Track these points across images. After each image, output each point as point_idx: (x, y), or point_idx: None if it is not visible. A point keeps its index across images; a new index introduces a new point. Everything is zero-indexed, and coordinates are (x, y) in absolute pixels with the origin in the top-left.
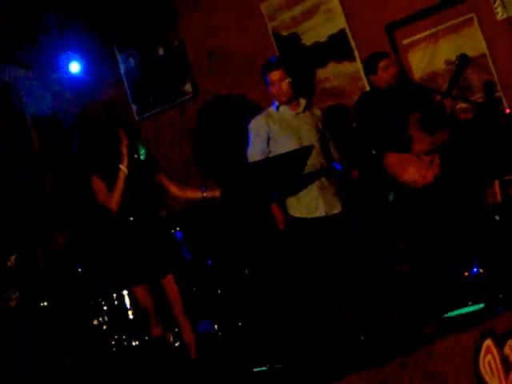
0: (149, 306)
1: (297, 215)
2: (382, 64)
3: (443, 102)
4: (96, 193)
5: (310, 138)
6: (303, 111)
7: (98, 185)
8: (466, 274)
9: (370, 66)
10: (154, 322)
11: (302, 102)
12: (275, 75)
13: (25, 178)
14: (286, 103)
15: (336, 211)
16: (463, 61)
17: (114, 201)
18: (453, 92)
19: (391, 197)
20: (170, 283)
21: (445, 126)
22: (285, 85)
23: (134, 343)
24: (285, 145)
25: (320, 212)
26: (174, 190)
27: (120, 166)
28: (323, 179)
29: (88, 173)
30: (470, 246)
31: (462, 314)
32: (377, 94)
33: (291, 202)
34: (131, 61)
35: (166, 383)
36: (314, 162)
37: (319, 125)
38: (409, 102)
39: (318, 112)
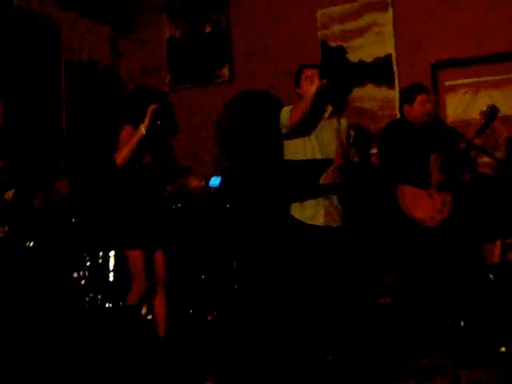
0: (137, 272)
1: (297, 217)
2: (420, 97)
3: (467, 149)
4: (121, 140)
5: (328, 144)
6: (328, 117)
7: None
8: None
9: (408, 96)
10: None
11: (329, 108)
12: (312, 71)
13: (44, 111)
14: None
15: (335, 224)
16: (493, 112)
17: (121, 155)
18: (477, 140)
19: None
20: (159, 257)
21: (464, 171)
22: (317, 80)
23: (107, 305)
24: (300, 144)
25: (319, 221)
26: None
27: (141, 125)
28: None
29: (122, 120)
30: (457, 297)
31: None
32: (405, 125)
33: (295, 204)
34: (177, 31)
35: (123, 350)
36: None
37: (341, 135)
38: (434, 140)
39: (344, 123)
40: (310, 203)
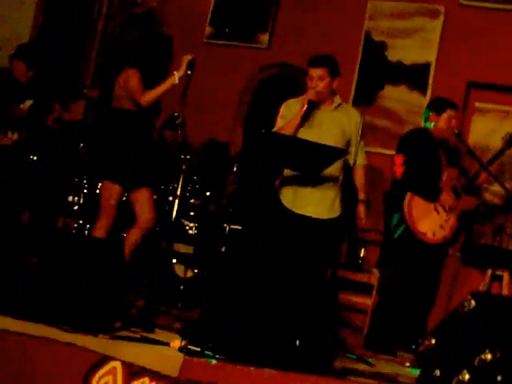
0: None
1: (286, 204)
2: (449, 112)
3: (479, 173)
4: (130, 84)
5: (329, 136)
6: (334, 109)
7: (137, 78)
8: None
9: (437, 106)
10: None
11: (337, 100)
12: (316, 72)
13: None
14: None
15: (324, 217)
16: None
17: (148, 98)
18: (491, 166)
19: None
20: (145, 198)
21: (473, 194)
22: (322, 84)
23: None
24: (301, 135)
25: (306, 211)
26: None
27: (175, 72)
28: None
29: (131, 63)
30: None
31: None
32: (427, 136)
33: (287, 190)
34: None
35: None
36: None
37: (346, 127)
38: (451, 157)
39: (354, 114)
40: (300, 192)
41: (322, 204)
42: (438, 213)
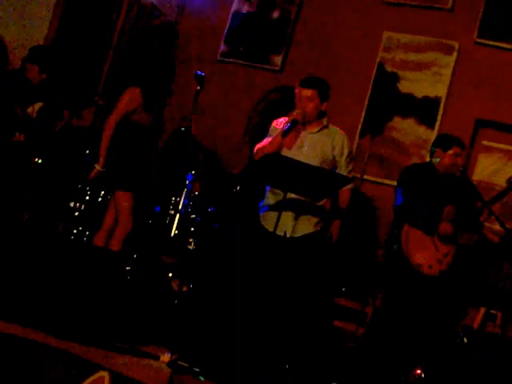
0: (110, 218)
1: (263, 224)
2: (455, 149)
3: (482, 210)
4: (121, 98)
5: (308, 158)
6: (318, 131)
7: (129, 97)
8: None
9: (443, 143)
10: (102, 236)
11: (323, 122)
12: (306, 92)
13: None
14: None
15: (298, 234)
16: None
17: (111, 125)
18: (493, 205)
19: (395, 247)
20: (123, 201)
21: (473, 231)
22: (310, 105)
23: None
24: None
25: (280, 231)
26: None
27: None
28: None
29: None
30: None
31: None
32: (431, 170)
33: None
34: (245, 6)
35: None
36: None
37: (328, 150)
38: (454, 193)
39: (339, 138)
40: (273, 212)
41: (295, 222)
42: (435, 246)
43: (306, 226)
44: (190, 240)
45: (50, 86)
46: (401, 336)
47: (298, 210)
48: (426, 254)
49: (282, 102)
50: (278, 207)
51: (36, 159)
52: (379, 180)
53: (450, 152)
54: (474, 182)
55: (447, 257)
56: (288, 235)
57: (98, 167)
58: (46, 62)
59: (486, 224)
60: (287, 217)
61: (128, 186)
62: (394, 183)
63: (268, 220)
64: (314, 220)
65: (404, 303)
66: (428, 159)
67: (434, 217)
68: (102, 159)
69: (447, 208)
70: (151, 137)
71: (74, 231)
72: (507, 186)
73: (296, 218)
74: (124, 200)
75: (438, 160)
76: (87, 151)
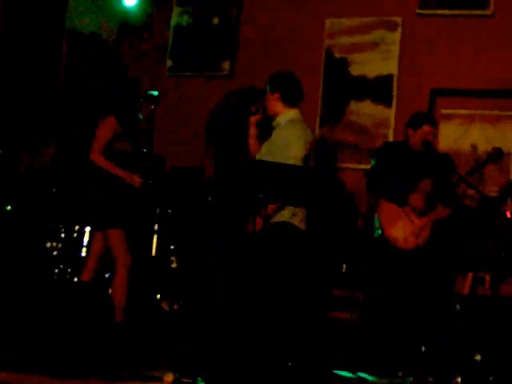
0: (96, 252)
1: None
2: (426, 128)
3: (459, 183)
4: (100, 129)
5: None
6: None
7: (107, 127)
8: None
9: (415, 121)
10: (89, 269)
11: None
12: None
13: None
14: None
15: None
16: (497, 155)
17: (98, 160)
18: (470, 177)
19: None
20: (116, 239)
21: (449, 204)
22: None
23: (75, 279)
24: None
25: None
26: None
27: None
28: None
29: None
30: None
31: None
32: (405, 147)
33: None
34: (184, 18)
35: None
36: None
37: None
38: (426, 167)
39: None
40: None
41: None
42: (410, 220)
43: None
44: (172, 259)
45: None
46: (394, 314)
47: None
48: (400, 227)
49: (239, 106)
50: None
51: (4, 206)
52: (346, 166)
53: (421, 130)
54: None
55: (424, 231)
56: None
57: (138, 180)
58: None
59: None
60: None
61: (122, 223)
62: (362, 167)
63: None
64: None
65: (390, 281)
66: (390, 138)
67: (406, 190)
68: (131, 176)
69: (423, 181)
70: (135, 165)
71: (56, 270)
72: (491, 156)
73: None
74: (118, 237)
75: (410, 138)
76: (53, 190)
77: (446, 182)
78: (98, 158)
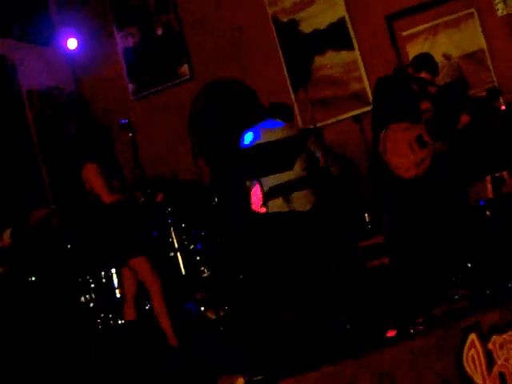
0: (130, 288)
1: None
2: (424, 74)
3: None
4: (91, 180)
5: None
6: None
7: (97, 174)
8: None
9: (416, 64)
10: (130, 307)
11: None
12: None
13: (19, 152)
14: None
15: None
16: (494, 94)
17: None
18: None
19: None
20: (141, 266)
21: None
22: None
23: (120, 322)
24: None
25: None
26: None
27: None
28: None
29: (85, 158)
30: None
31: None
32: (400, 81)
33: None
34: (129, 39)
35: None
36: None
37: None
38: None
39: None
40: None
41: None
42: (413, 150)
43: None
44: (202, 268)
45: None
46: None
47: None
48: (404, 156)
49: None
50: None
51: (29, 278)
52: (335, 119)
53: (419, 75)
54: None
55: (424, 161)
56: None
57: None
58: None
59: None
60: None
61: (141, 249)
62: (349, 114)
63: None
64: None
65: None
66: (365, 80)
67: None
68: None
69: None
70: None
71: (98, 320)
72: (487, 95)
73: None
74: (141, 264)
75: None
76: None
77: (447, 114)
78: (111, 198)
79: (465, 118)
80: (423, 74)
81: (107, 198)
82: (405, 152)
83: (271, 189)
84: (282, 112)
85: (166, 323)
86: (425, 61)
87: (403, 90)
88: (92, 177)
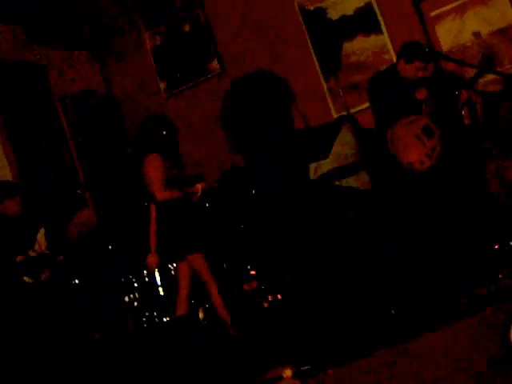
0: (184, 284)
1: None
2: (417, 64)
3: (460, 93)
4: (150, 171)
5: None
6: None
7: (158, 166)
8: (497, 246)
9: (407, 54)
10: (183, 302)
11: None
12: None
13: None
14: None
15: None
16: (487, 61)
17: (165, 196)
18: (474, 85)
19: None
20: (197, 262)
21: (455, 121)
22: None
23: (164, 319)
24: None
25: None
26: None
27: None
28: None
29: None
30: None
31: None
32: (395, 74)
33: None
34: (158, 38)
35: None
36: None
37: None
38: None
39: None
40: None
41: None
42: (422, 143)
43: None
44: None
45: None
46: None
47: None
48: (414, 151)
49: (245, 96)
50: None
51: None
52: (365, 106)
53: (412, 65)
54: (446, 53)
55: (436, 149)
56: None
57: (199, 186)
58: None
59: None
60: None
61: (199, 245)
62: None
63: None
64: None
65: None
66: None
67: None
68: (192, 188)
69: (424, 106)
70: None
71: (143, 319)
72: (479, 65)
73: None
74: (200, 261)
75: (401, 69)
76: (109, 246)
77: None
78: (163, 194)
79: (464, 95)
80: (416, 64)
81: (160, 195)
82: (414, 146)
83: (323, 175)
84: None
85: (224, 314)
86: (414, 50)
87: (395, 83)
88: (153, 169)
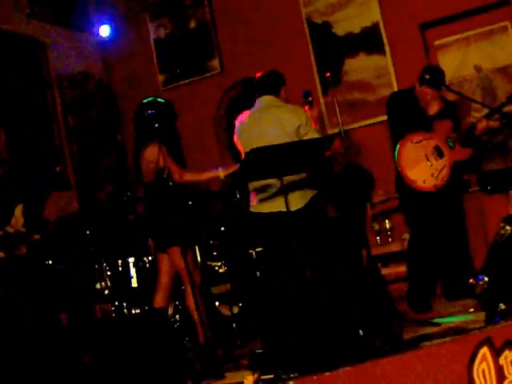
0: (165, 277)
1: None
2: (424, 88)
3: (475, 124)
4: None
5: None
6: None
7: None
8: (472, 281)
9: (421, 76)
10: (162, 296)
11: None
12: None
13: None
14: None
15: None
16: None
17: (187, 178)
18: (490, 119)
19: None
20: (175, 256)
21: (471, 145)
22: None
23: (134, 311)
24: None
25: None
26: (187, 177)
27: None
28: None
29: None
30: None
31: (461, 321)
32: (409, 94)
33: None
34: (162, 31)
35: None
36: None
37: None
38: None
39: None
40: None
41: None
42: (429, 161)
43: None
44: (219, 264)
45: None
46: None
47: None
48: (419, 169)
49: (240, 99)
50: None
51: (45, 261)
52: (361, 124)
53: (421, 89)
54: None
55: (443, 171)
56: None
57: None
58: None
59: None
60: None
61: (180, 240)
62: (374, 121)
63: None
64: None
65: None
66: (395, 86)
67: (422, 121)
68: (216, 172)
69: (440, 123)
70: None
71: (112, 308)
72: (506, 100)
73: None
74: (176, 255)
75: (415, 90)
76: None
77: (460, 125)
78: (182, 176)
79: (481, 126)
80: (425, 89)
81: (178, 177)
82: (420, 164)
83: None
84: None
85: (195, 318)
86: (428, 73)
87: (408, 101)
88: (161, 157)
